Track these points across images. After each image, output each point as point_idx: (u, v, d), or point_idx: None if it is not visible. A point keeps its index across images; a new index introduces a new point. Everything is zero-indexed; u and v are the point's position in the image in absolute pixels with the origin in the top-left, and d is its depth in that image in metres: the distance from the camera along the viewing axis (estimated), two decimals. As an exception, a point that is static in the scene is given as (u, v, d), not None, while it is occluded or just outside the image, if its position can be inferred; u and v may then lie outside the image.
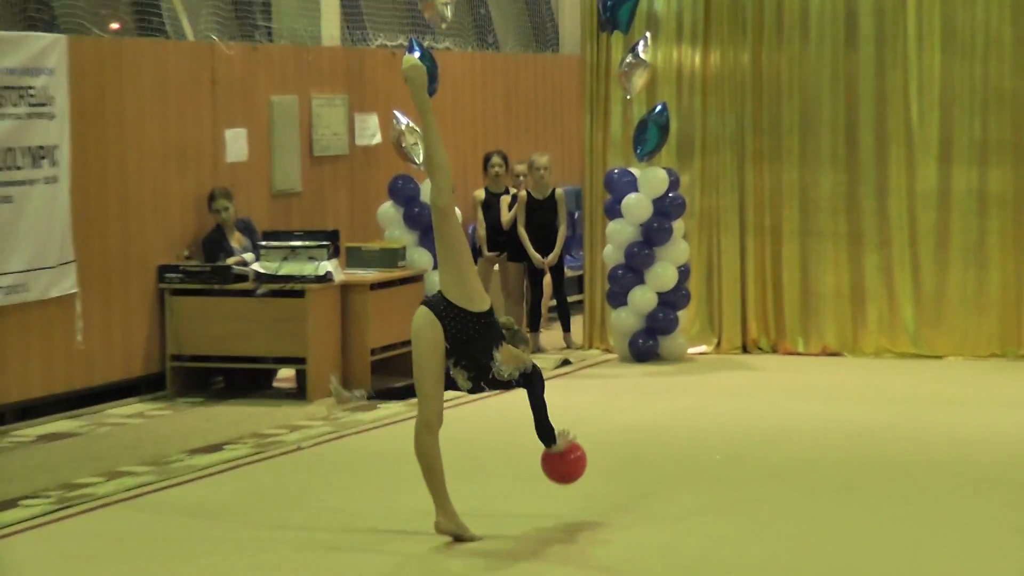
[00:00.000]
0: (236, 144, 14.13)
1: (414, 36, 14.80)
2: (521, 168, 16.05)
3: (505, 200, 15.65)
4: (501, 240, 15.59)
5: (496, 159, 15.83)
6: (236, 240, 13.53)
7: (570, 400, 12.87)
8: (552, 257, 15.42)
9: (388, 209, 14.40)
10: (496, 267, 15.78)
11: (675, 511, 9.19)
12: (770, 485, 9.78)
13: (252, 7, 15.12)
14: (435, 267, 14.18)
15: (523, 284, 15.61)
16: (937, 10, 14.69)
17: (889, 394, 13.00)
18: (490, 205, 15.72)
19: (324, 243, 13.19)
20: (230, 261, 13.23)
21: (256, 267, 13.06)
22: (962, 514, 9.03)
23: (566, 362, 14.64)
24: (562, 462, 8.95)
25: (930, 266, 14.76)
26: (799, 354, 14.96)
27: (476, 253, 16.02)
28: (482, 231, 15.68)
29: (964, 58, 14.67)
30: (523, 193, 15.53)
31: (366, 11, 16.57)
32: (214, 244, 13.45)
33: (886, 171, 14.84)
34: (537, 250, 15.37)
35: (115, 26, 13.63)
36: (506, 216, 15.53)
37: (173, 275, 13.12)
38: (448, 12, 14.28)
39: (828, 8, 14.96)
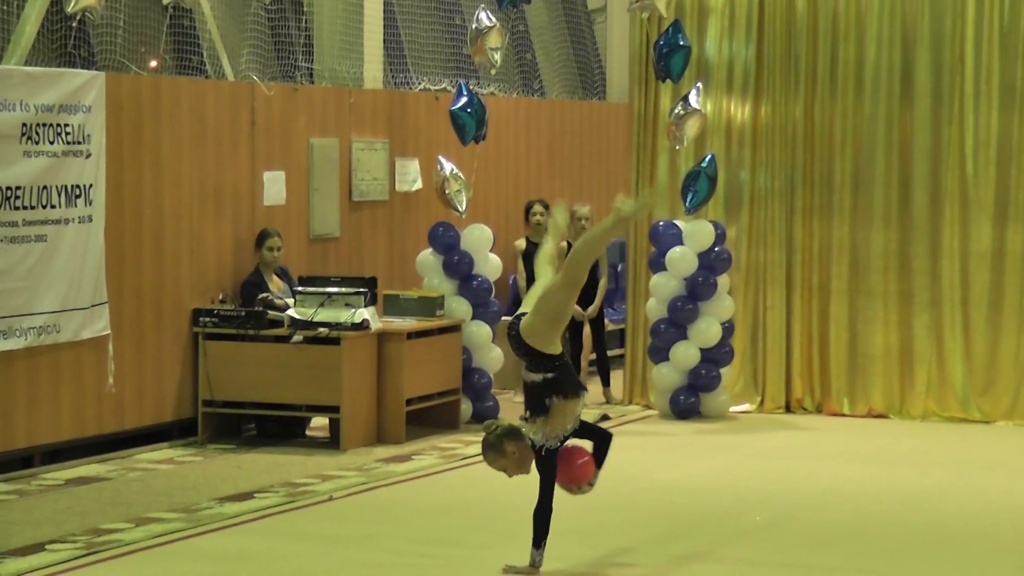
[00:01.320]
0: (274, 187, 14.30)
1: (462, 81, 14.97)
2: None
3: (545, 249, 15.79)
4: (542, 291, 15.73)
5: (538, 207, 16.01)
6: (275, 285, 13.68)
7: (609, 457, 12.97)
8: (592, 310, 15.56)
9: (427, 257, 14.56)
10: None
11: (713, 572, 9.28)
12: (811, 550, 9.86)
13: (293, 47, 15.32)
14: (474, 317, 14.34)
15: (564, 336, 15.72)
16: (996, 67, 14.80)
17: (936, 459, 13.07)
18: (531, 255, 15.86)
19: (361, 290, 13.34)
20: (264, 296, 13.34)
21: (292, 313, 13.21)
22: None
23: (605, 417, 14.74)
24: (570, 465, 9.19)
25: (982, 328, 14.84)
26: (844, 415, 15.04)
27: (517, 304, 16.16)
28: (523, 282, 15.84)
29: (1022, 115, 14.77)
30: (564, 244, 15.67)
31: (409, 54, 16.76)
32: (254, 287, 13.58)
33: (939, 230, 14.93)
34: (578, 303, 15.50)
35: (154, 64, 13.83)
36: (548, 266, 15.68)
37: (207, 319, 13.28)
38: (497, 57, 14.47)
39: (884, 62, 15.08)
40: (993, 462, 12.94)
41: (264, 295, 13.41)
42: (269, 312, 13.29)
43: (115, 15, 13.31)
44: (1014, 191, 14.78)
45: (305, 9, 15.54)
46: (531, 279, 15.77)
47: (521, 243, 16.03)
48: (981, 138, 14.84)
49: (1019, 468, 12.71)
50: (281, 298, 13.44)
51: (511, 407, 15.11)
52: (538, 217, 15.97)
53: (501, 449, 9.12)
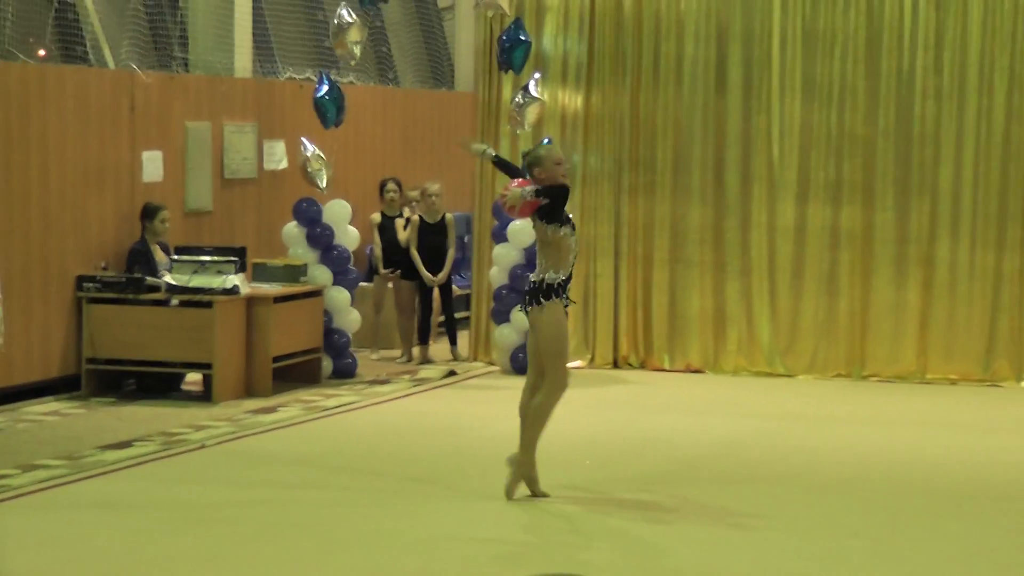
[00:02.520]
0: (152, 166, 14.13)
1: (324, 71, 14.85)
2: (414, 194, 16.17)
3: (399, 223, 15.79)
4: (396, 259, 15.70)
5: (391, 185, 16.00)
6: (159, 255, 13.53)
7: (455, 408, 13.01)
8: (441, 276, 15.55)
9: (292, 229, 14.45)
10: (391, 284, 15.89)
11: (548, 512, 9.30)
12: (632, 491, 9.91)
13: (170, 39, 15.12)
14: (334, 283, 14.27)
15: (414, 300, 15.72)
16: (799, 62, 14.95)
17: (746, 409, 13.21)
18: (385, 227, 15.85)
19: (232, 259, 13.24)
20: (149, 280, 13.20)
21: (168, 279, 13.08)
22: (810, 519, 9.22)
23: (452, 373, 14.75)
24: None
25: (786, 294, 15.01)
26: (665, 370, 15.16)
27: (372, 271, 16.12)
28: (378, 251, 15.81)
29: (822, 106, 14.93)
30: (416, 217, 15.65)
31: (276, 45, 16.62)
32: (139, 254, 13.42)
33: (749, 207, 15.07)
34: (428, 270, 15.50)
35: (41, 53, 13.59)
36: (402, 236, 15.67)
37: (91, 284, 13.11)
38: (357, 50, 14.35)
39: (701, 57, 15.17)
40: (795, 412, 13.10)
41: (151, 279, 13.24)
42: (148, 278, 13.13)
43: (4, 8, 13.05)
44: (814, 173, 14.95)
45: (180, 3, 15.34)
46: (386, 249, 15.78)
47: (376, 216, 15.97)
48: (786, 126, 14.99)
49: (817, 417, 12.88)
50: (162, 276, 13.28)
51: (369, 364, 15.08)
52: (391, 194, 15.95)
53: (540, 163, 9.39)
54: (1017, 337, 14.56)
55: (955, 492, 9.99)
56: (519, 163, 9.93)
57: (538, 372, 9.67)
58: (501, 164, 10.30)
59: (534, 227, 9.58)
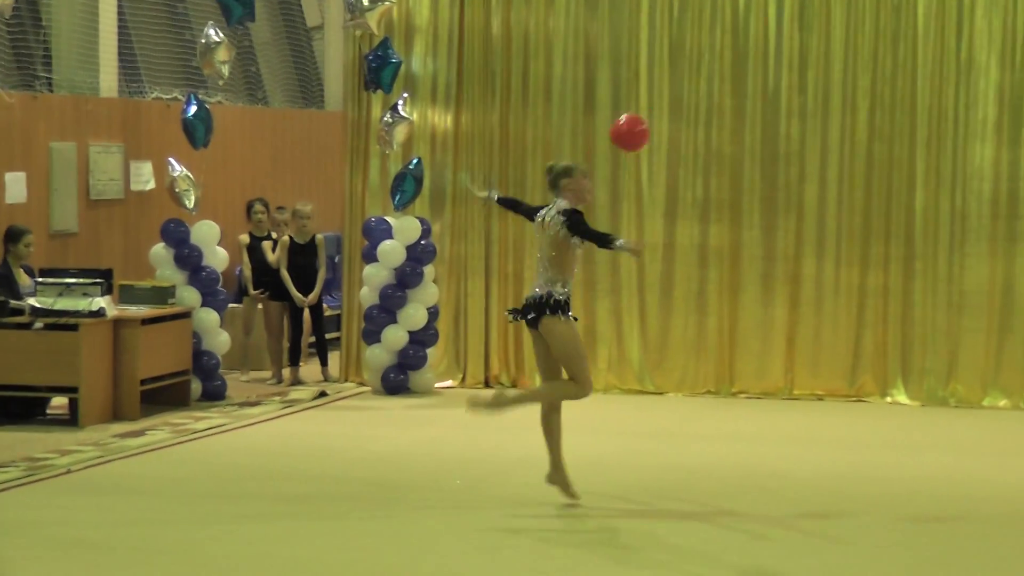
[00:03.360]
0: (16, 187, 13.92)
1: (192, 91, 14.73)
2: (282, 216, 16.05)
3: (268, 244, 15.68)
4: (265, 280, 15.58)
5: (258, 206, 15.89)
6: (22, 279, 13.30)
7: (325, 429, 12.93)
8: (312, 297, 15.45)
9: (160, 250, 14.28)
10: (260, 305, 15.77)
11: (419, 532, 9.28)
12: (504, 509, 9.91)
13: (33, 58, 14.91)
14: (203, 304, 14.13)
15: (283, 321, 15.60)
16: (666, 81, 15.06)
17: (615, 427, 13.26)
18: (254, 248, 15.72)
19: (97, 280, 13.05)
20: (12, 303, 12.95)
21: (32, 302, 12.86)
22: (678, 538, 9.26)
23: (323, 394, 14.66)
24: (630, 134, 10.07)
25: (655, 312, 15.11)
26: (536, 389, 15.18)
27: (242, 292, 15.98)
28: (248, 272, 15.67)
29: (689, 124, 15.04)
30: (286, 238, 15.55)
31: (143, 65, 16.44)
32: (2, 279, 13.18)
33: (618, 225, 15.12)
34: (299, 290, 15.39)
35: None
36: (271, 256, 15.55)
37: (-48, 308, 12.86)
38: (225, 70, 14.26)
39: (570, 77, 15.24)
40: (665, 429, 13.18)
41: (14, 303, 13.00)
42: (11, 302, 12.91)
43: None
44: (682, 191, 15.06)
45: (44, 22, 15.13)
46: (256, 270, 15.65)
47: (245, 238, 15.84)
48: (654, 144, 15.07)
49: (686, 434, 12.97)
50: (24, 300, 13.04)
51: (238, 386, 14.95)
52: (259, 215, 15.83)
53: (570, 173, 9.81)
54: (881, 353, 14.76)
55: (823, 508, 10.08)
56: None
57: (549, 380, 9.96)
58: (507, 203, 10.82)
59: (549, 237, 9.81)
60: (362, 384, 15.24)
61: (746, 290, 14.92)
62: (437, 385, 15.07)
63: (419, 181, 14.80)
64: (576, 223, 9.70)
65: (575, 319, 9.95)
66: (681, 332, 15.04)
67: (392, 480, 10.84)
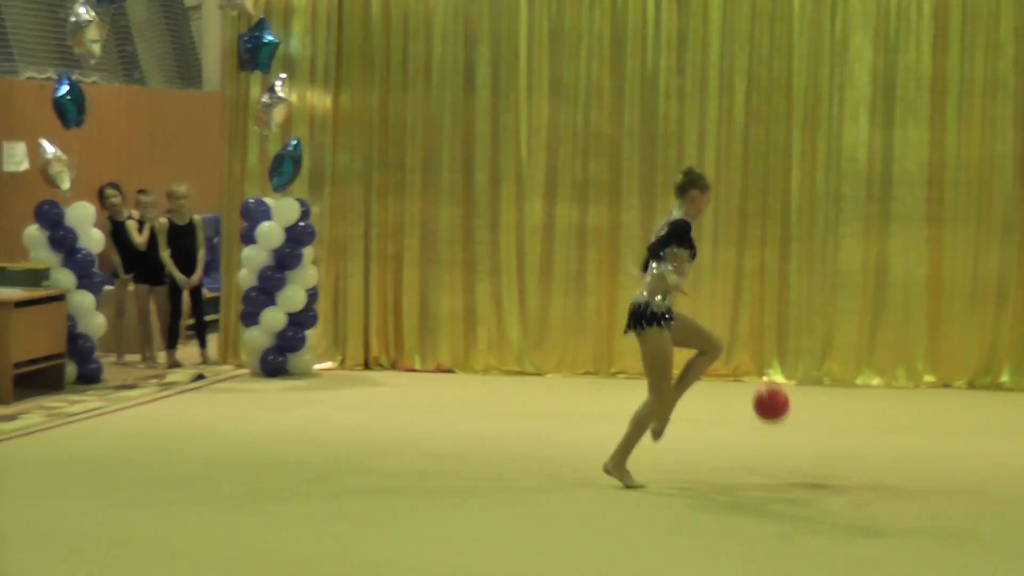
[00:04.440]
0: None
1: (64, 70, 14.56)
2: (147, 199, 15.75)
3: (131, 225, 15.51)
4: (132, 262, 15.46)
5: (109, 190, 15.70)
6: None
7: (204, 412, 12.85)
8: (195, 278, 15.35)
9: (34, 232, 14.10)
10: (131, 288, 15.63)
11: (298, 513, 9.24)
12: (382, 494, 9.90)
13: (-98, 36, 14.67)
14: (78, 286, 13.97)
15: (149, 303, 15.48)
16: (545, 62, 15.11)
17: (496, 407, 13.30)
18: (118, 232, 15.54)
19: (-31, 263, 12.88)
20: None
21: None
22: (555, 515, 9.31)
23: (201, 376, 14.57)
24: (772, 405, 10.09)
25: (535, 293, 15.17)
26: (416, 371, 15.20)
27: (113, 276, 15.81)
28: (116, 257, 15.52)
29: (568, 105, 15.11)
30: (164, 220, 15.41)
31: (15, 44, 16.20)
32: None
33: (498, 206, 15.19)
34: (181, 271, 15.27)
35: None
36: (138, 239, 15.40)
37: None
38: (96, 49, 14.09)
39: (449, 57, 15.24)
40: (545, 410, 13.23)
41: None
42: None
43: None
44: (561, 172, 15.13)
45: (-87, 1, 14.89)
46: (124, 253, 15.48)
47: (106, 224, 15.62)
48: (533, 125, 15.14)
49: (566, 414, 13.02)
50: None
51: (114, 369, 14.81)
52: (113, 199, 15.64)
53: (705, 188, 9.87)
54: (758, 333, 14.93)
55: (712, 485, 10.17)
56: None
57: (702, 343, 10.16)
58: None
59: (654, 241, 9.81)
60: (240, 366, 15.17)
61: (624, 270, 15.01)
62: (316, 367, 15.03)
63: (298, 162, 14.74)
64: (676, 235, 9.68)
65: (669, 323, 9.84)
66: (560, 313, 15.12)
67: (270, 462, 10.78)
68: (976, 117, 14.60)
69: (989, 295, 14.64)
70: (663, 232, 9.81)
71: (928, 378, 14.73)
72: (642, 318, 9.79)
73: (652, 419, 10.05)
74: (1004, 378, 14.64)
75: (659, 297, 9.77)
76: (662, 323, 9.78)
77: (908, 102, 14.69)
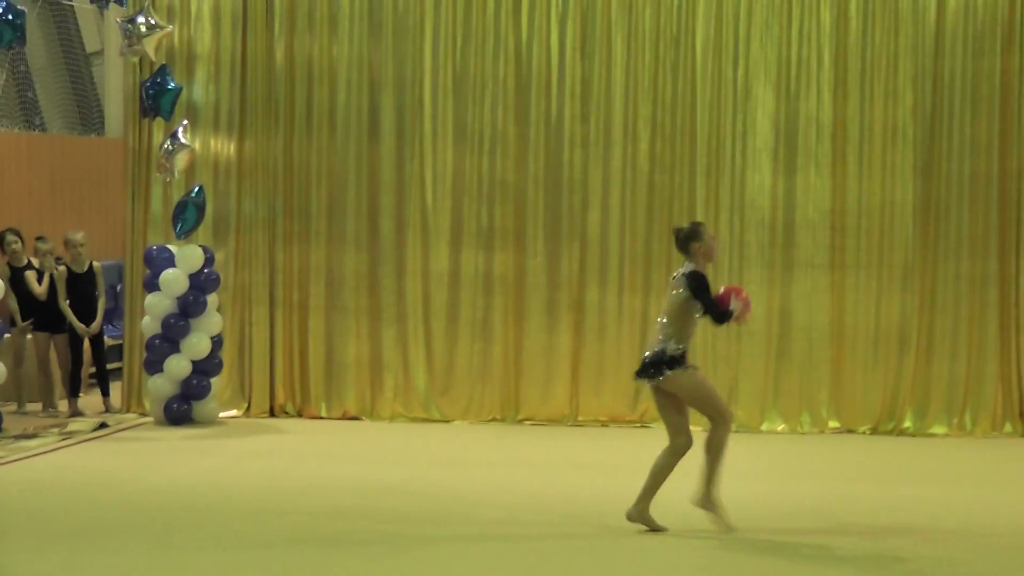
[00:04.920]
0: None
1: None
2: (45, 247, 15.56)
3: (30, 274, 15.34)
4: (32, 310, 15.29)
5: (10, 236, 15.52)
6: None
7: (107, 461, 12.70)
8: (95, 326, 15.19)
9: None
10: (29, 336, 15.45)
11: (198, 565, 9.14)
12: (288, 544, 9.81)
13: None
14: None
15: (49, 351, 15.31)
16: (450, 109, 15.13)
17: (402, 455, 13.24)
18: (16, 280, 15.36)
19: None
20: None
21: None
22: (460, 564, 9.26)
23: (104, 425, 14.40)
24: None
25: (441, 339, 15.14)
26: (322, 418, 15.12)
27: (11, 324, 15.57)
28: (13, 304, 15.32)
29: (473, 152, 15.13)
30: (63, 268, 15.25)
31: (-86, 90, 16.03)
32: None
33: (404, 253, 15.17)
34: (81, 320, 15.11)
35: None
36: (38, 289, 15.23)
37: None
38: (-5, 94, 13.98)
39: (354, 104, 15.22)
40: (451, 457, 13.19)
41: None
42: None
43: None
44: (466, 219, 15.13)
45: None
46: (22, 301, 15.30)
47: (5, 270, 15.43)
48: (438, 172, 15.14)
49: (472, 461, 12.99)
50: None
51: (14, 419, 14.61)
52: (13, 245, 15.46)
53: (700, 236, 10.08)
54: (664, 378, 14.95)
55: (615, 532, 10.17)
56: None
57: (673, 429, 10.16)
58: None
59: (671, 296, 10.03)
60: (144, 415, 15.01)
61: (530, 317, 15.03)
62: (221, 415, 14.91)
63: (201, 209, 14.65)
64: (698, 289, 9.96)
65: (695, 368, 10.15)
66: (467, 360, 15.10)
67: (172, 512, 10.65)
68: (876, 164, 14.78)
69: (891, 341, 14.78)
70: (683, 291, 9.98)
71: (832, 424, 14.84)
72: (662, 364, 10.01)
73: (727, 441, 10.21)
74: (907, 423, 14.78)
75: (674, 343, 10.01)
76: (684, 365, 10.02)
77: (809, 149, 14.85)
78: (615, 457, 13.22)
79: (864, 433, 14.75)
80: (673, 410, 10.18)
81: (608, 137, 15.01)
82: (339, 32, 15.17)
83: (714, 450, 10.16)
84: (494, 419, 15.01)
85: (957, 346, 14.72)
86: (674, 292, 10.08)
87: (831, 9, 14.80)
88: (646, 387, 14.71)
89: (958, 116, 14.70)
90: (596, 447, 13.83)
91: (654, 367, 10.06)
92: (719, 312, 10.01)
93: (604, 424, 14.91)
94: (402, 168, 15.15)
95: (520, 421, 14.99)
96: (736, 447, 13.81)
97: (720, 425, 10.16)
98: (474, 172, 15.11)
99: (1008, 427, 14.68)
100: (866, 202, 14.79)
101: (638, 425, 14.84)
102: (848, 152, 14.80)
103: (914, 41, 14.75)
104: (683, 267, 10.13)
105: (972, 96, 14.69)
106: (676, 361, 10.02)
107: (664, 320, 10.11)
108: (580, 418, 15.00)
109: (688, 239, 10.12)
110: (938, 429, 14.71)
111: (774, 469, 12.82)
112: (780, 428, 14.80)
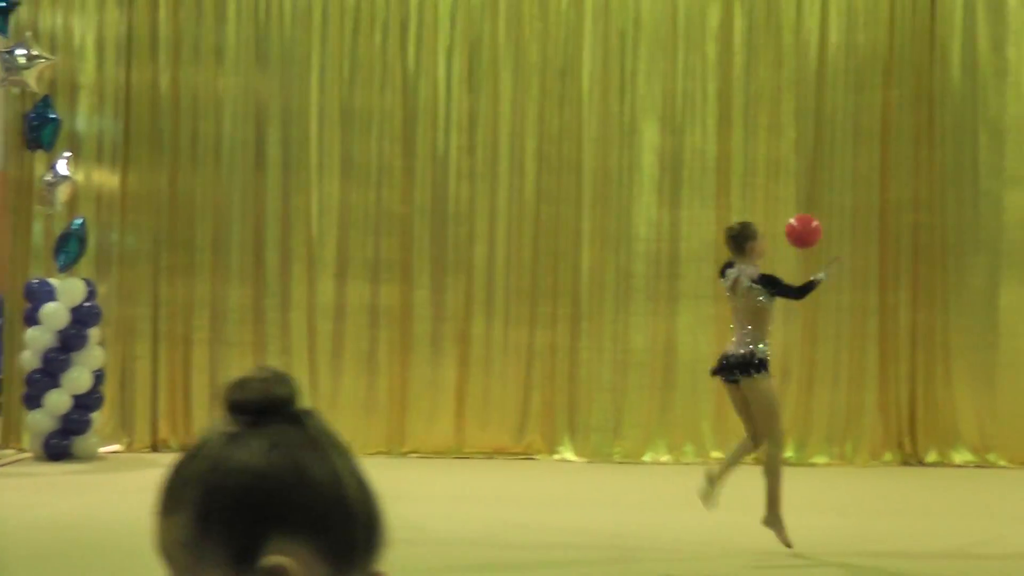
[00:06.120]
0: None
1: None
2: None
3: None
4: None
5: None
6: None
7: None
8: (-27, 362, 15.00)
9: None
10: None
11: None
12: None
13: None
14: None
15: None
16: (336, 142, 15.13)
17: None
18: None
19: None
20: None
21: None
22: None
23: (-19, 462, 14.23)
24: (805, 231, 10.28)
25: (326, 372, 15.10)
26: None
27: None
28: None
29: (360, 184, 15.13)
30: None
31: None
32: None
33: (289, 286, 15.11)
34: (-42, 355, 14.93)
35: None
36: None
37: None
38: None
39: (239, 135, 15.17)
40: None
41: None
42: None
43: None
44: (352, 251, 15.12)
45: None
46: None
47: None
48: (324, 205, 15.12)
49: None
50: None
51: None
52: None
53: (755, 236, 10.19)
54: (549, 410, 15.03)
55: (499, 565, 10.18)
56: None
57: (763, 426, 10.23)
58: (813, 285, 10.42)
59: (745, 302, 10.06)
60: (22, 450, 14.81)
61: (416, 350, 15.03)
62: (102, 450, 14.75)
63: (83, 242, 14.52)
64: (782, 291, 10.14)
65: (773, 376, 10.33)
66: (352, 392, 15.05)
67: (51, 549, 10.53)
68: (760, 197, 14.94)
69: (773, 371, 14.89)
70: (764, 299, 10.09)
71: (715, 454, 14.94)
72: (749, 366, 10.06)
73: (781, 461, 10.33)
74: (789, 453, 14.89)
75: (762, 345, 10.11)
76: (767, 369, 10.13)
77: (694, 182, 14.99)
78: (499, 489, 13.25)
79: (746, 463, 14.83)
80: (749, 411, 10.29)
81: (495, 169, 15.07)
82: (225, 63, 15.12)
83: (773, 472, 10.26)
84: (379, 452, 14.95)
85: (839, 376, 14.90)
86: (749, 299, 10.09)
87: (715, 44, 14.97)
88: (533, 419, 14.97)
89: (839, 149, 14.92)
90: (481, 479, 13.84)
91: (741, 367, 10.12)
92: (806, 290, 10.21)
93: (490, 456, 14.92)
94: (288, 200, 15.11)
95: (405, 454, 14.97)
96: (621, 478, 13.94)
97: (774, 445, 10.28)
98: (360, 204, 15.11)
99: (888, 456, 14.87)
100: (749, 234, 14.93)
101: (523, 457, 14.86)
102: (732, 185, 14.96)
103: (797, 75, 14.96)
104: (736, 268, 10.20)
105: (853, 129, 14.91)
106: (763, 364, 10.13)
107: (743, 324, 10.14)
108: (466, 450, 15.01)
109: (745, 239, 10.23)
110: (819, 459, 14.86)
111: (657, 499, 12.88)
112: (664, 459, 14.89)
